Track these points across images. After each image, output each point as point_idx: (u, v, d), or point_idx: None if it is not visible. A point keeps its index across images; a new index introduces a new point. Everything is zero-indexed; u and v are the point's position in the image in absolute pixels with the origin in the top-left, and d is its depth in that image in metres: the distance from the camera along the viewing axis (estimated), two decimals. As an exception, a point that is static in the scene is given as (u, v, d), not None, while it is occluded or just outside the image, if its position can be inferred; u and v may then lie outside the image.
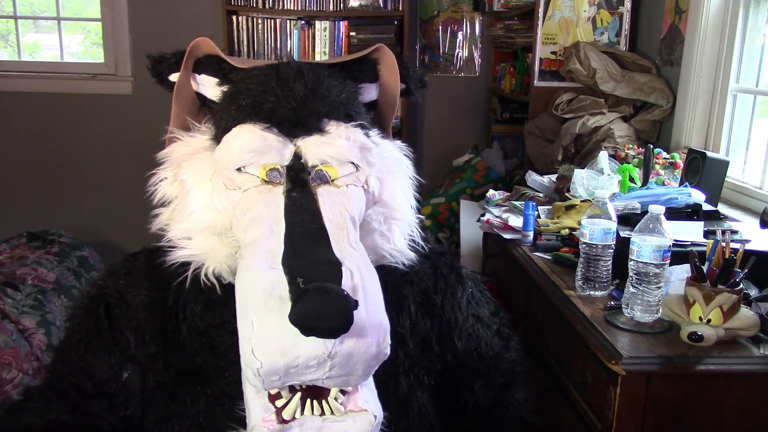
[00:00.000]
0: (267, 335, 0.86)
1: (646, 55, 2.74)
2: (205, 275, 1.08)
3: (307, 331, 0.82)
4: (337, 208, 1.04)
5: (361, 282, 0.93)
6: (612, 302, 1.44)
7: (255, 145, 1.06)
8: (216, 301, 1.08)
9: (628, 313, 1.36)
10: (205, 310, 1.09)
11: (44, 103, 3.62)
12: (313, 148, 1.07)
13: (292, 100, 1.10)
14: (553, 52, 2.83)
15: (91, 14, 3.68)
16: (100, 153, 3.68)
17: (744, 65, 2.27)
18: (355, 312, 0.84)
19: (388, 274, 1.15)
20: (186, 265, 1.10)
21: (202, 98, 1.25)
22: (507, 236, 1.95)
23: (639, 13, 2.82)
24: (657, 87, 2.56)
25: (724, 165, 2.04)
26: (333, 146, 1.08)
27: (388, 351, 0.92)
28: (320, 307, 0.82)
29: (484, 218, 2.10)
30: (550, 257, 1.76)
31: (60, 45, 3.68)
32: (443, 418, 1.26)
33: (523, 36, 3.13)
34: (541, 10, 2.79)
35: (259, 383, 0.88)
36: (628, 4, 2.78)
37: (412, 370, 1.18)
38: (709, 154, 2.03)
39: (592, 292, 1.50)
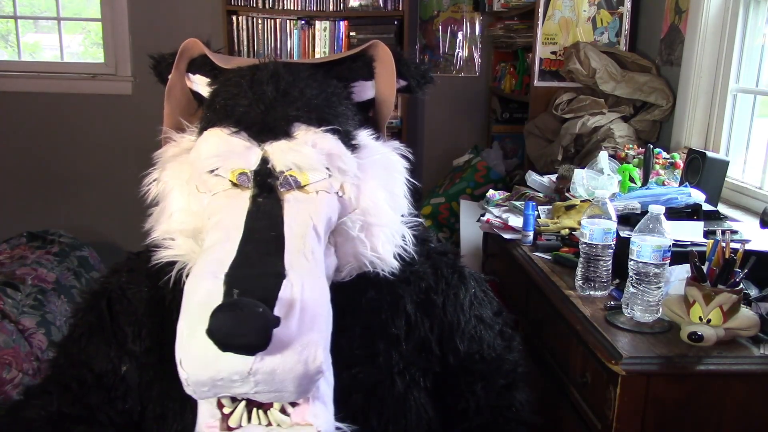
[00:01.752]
0: (193, 347, 0.86)
1: (646, 55, 2.74)
2: (187, 275, 1.08)
3: (221, 346, 0.82)
4: (301, 216, 1.02)
5: (301, 295, 0.91)
6: (612, 302, 1.44)
7: (219, 149, 1.05)
8: None
9: (628, 313, 1.36)
10: None
11: (44, 103, 3.62)
12: (279, 154, 1.05)
13: (261, 103, 1.09)
14: (553, 52, 2.83)
15: (91, 14, 3.68)
16: (100, 153, 3.68)
17: (744, 65, 2.27)
18: (278, 329, 0.83)
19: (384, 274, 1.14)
20: (175, 264, 1.11)
21: (199, 98, 1.25)
22: (507, 236, 1.95)
23: (639, 13, 2.82)
24: (657, 87, 2.56)
25: (724, 165, 2.04)
26: (299, 153, 1.05)
27: (322, 369, 0.89)
28: (233, 322, 0.80)
29: (484, 218, 2.10)
30: (550, 257, 1.76)
31: (60, 45, 3.68)
32: (445, 420, 1.26)
33: (523, 36, 3.13)
34: (541, 10, 2.79)
35: (192, 393, 0.88)
36: (628, 4, 2.78)
37: (408, 371, 1.17)
38: (709, 154, 2.03)
39: (592, 292, 1.50)
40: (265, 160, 1.06)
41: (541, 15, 2.80)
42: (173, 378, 1.10)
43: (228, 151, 1.05)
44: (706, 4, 2.30)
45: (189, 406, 1.09)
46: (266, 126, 1.07)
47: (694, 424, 1.26)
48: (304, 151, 1.05)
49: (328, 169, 1.07)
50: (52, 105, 3.63)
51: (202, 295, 0.90)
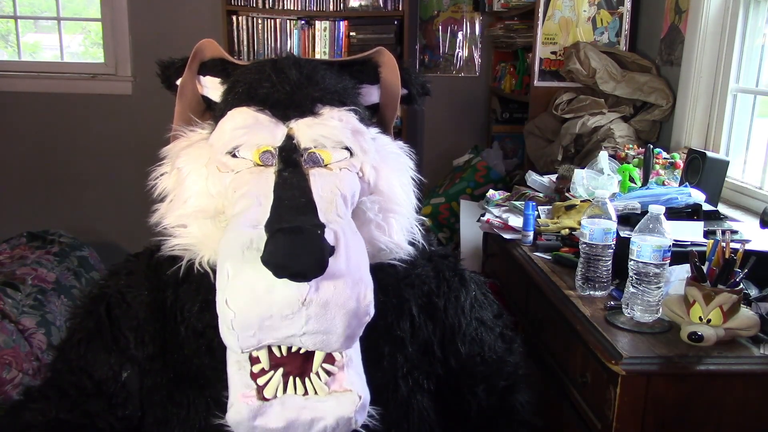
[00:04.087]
0: (241, 284, 0.85)
1: (646, 55, 2.74)
2: (200, 264, 1.08)
3: (278, 270, 0.80)
4: (328, 186, 1.03)
5: (345, 241, 0.91)
6: (612, 302, 1.44)
7: (246, 123, 1.07)
8: (213, 302, 1.07)
9: (628, 313, 1.36)
10: (202, 310, 1.09)
11: (44, 103, 3.62)
12: (305, 129, 1.07)
13: (286, 84, 1.11)
14: (553, 52, 2.83)
15: (91, 14, 3.68)
16: (100, 153, 3.68)
17: (744, 65, 2.27)
18: (331, 259, 0.82)
19: (388, 276, 1.15)
20: (179, 260, 1.10)
21: (207, 101, 1.26)
22: (507, 236, 1.95)
23: (639, 13, 2.82)
24: (657, 87, 2.56)
25: (724, 165, 2.04)
26: (325, 126, 1.08)
27: (371, 311, 0.89)
28: (292, 244, 0.80)
29: (484, 218, 2.10)
30: (550, 257, 1.76)
31: (60, 45, 3.69)
32: (446, 423, 1.26)
33: (523, 36, 3.13)
34: (541, 10, 2.79)
35: (234, 340, 0.86)
36: (628, 4, 2.79)
37: (412, 374, 1.17)
38: (709, 154, 2.03)
39: (592, 292, 1.50)
40: (289, 138, 1.07)
41: (541, 15, 2.80)
42: (177, 383, 1.11)
43: (255, 124, 1.06)
44: (706, 4, 2.30)
45: (193, 411, 1.09)
46: (292, 104, 1.09)
47: (694, 424, 1.26)
48: (331, 124, 1.08)
49: (348, 149, 1.09)
50: (52, 105, 3.63)
51: (244, 241, 0.89)
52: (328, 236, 0.89)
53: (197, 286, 1.09)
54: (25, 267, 2.44)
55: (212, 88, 1.23)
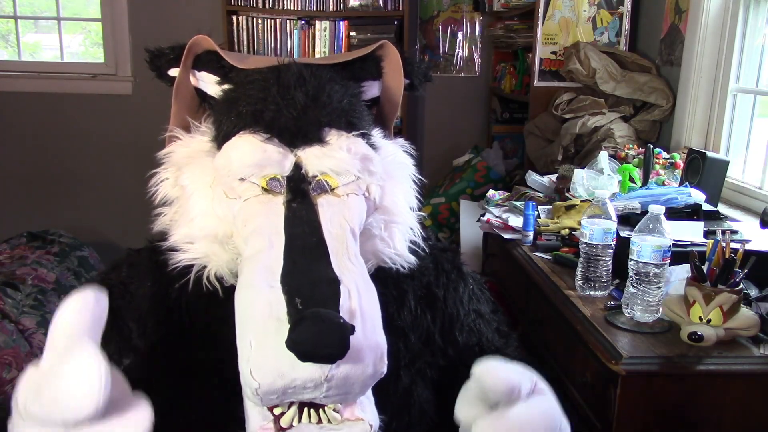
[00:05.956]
0: (265, 357, 0.87)
1: (646, 55, 2.74)
2: (207, 277, 1.09)
3: (303, 357, 0.83)
4: (337, 219, 1.03)
5: (359, 302, 0.93)
6: (612, 302, 1.44)
7: (255, 158, 1.05)
8: (219, 295, 1.09)
9: (628, 313, 1.36)
10: (208, 303, 1.10)
11: (44, 103, 3.62)
12: (313, 160, 1.06)
13: (292, 109, 1.09)
14: (553, 52, 2.83)
15: (91, 14, 3.68)
16: (100, 153, 3.68)
17: (744, 65, 2.27)
18: (351, 337, 0.84)
19: (389, 268, 1.15)
20: (189, 265, 1.10)
21: (201, 94, 1.25)
22: (507, 236, 1.95)
23: (639, 13, 2.82)
24: (657, 87, 2.56)
25: (724, 165, 2.04)
26: (333, 158, 1.07)
27: (384, 370, 0.92)
28: (316, 334, 0.82)
29: (484, 218, 2.10)
30: (550, 257, 1.76)
31: (60, 45, 3.69)
32: (445, 418, 1.26)
33: (523, 36, 3.13)
34: (541, 10, 2.79)
35: (258, 401, 0.89)
36: (628, 4, 2.79)
37: (413, 365, 1.18)
38: (709, 154, 2.03)
39: (592, 292, 1.50)
40: (297, 166, 1.06)
41: (541, 15, 2.80)
42: (182, 374, 1.11)
43: (265, 158, 1.05)
44: (706, 4, 2.30)
45: (195, 402, 1.10)
46: (299, 132, 1.08)
47: (694, 424, 1.26)
48: (339, 156, 1.07)
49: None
50: (52, 105, 3.62)
51: (263, 307, 0.90)
52: (344, 297, 0.91)
53: (202, 284, 1.10)
54: (25, 267, 2.44)
55: (208, 83, 1.22)
